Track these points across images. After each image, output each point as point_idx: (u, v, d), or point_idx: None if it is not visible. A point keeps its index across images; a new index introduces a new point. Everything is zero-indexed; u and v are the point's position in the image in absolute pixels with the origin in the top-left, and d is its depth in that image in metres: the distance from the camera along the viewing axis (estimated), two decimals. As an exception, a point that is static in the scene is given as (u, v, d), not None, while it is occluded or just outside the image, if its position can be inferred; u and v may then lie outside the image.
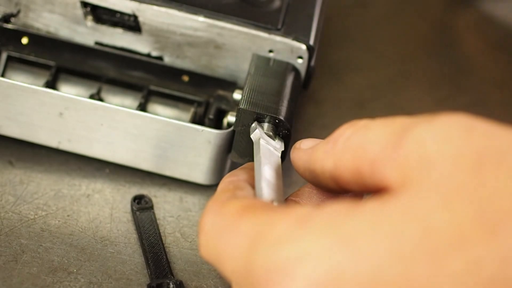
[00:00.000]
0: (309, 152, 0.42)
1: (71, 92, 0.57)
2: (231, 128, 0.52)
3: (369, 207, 0.33)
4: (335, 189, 0.40)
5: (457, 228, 0.31)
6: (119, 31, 0.56)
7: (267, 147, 0.47)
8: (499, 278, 0.30)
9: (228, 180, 0.44)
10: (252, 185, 0.43)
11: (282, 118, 0.50)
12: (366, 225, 0.32)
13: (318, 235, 0.33)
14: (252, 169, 0.45)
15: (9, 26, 0.56)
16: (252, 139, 0.49)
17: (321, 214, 0.34)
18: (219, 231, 0.38)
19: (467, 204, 0.31)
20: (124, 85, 0.57)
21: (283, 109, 0.50)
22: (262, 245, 0.34)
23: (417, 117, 0.35)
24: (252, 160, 0.48)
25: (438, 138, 0.33)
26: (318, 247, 0.32)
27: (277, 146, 0.49)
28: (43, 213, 0.53)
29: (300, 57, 0.54)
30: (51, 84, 0.56)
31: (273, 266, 0.33)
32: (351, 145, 0.37)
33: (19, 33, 0.57)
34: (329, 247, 0.32)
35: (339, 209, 0.34)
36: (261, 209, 0.37)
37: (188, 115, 0.57)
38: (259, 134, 0.49)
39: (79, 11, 0.55)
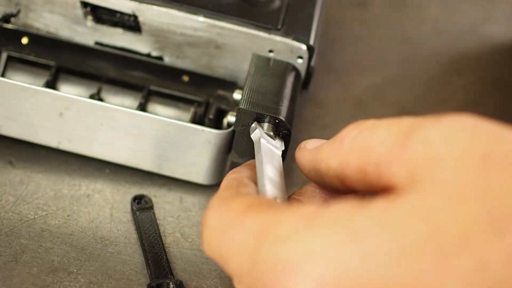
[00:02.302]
0: (315, 151, 0.42)
1: (71, 92, 0.57)
2: (231, 128, 0.51)
3: (376, 206, 0.33)
4: (340, 189, 0.40)
5: (464, 227, 0.31)
6: (119, 31, 0.56)
7: (268, 146, 0.47)
8: (506, 278, 0.30)
9: (231, 176, 0.44)
10: (255, 182, 0.43)
11: (282, 118, 0.50)
12: (374, 223, 0.32)
13: (325, 233, 0.33)
14: (255, 166, 0.45)
15: (9, 26, 0.56)
16: (253, 139, 0.49)
17: (328, 212, 0.34)
18: (223, 227, 0.38)
19: (474, 203, 0.31)
20: (124, 85, 0.57)
21: (283, 109, 0.50)
22: (268, 242, 0.34)
23: (424, 117, 0.35)
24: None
25: (445, 138, 0.33)
26: (325, 244, 0.32)
27: (278, 145, 0.49)
28: (43, 213, 0.53)
29: (300, 57, 0.54)
30: (51, 84, 0.56)
31: (280, 262, 0.33)
32: (357, 145, 0.37)
33: (19, 33, 0.57)
34: (336, 244, 0.32)
35: (346, 207, 0.34)
36: (266, 206, 0.37)
37: (188, 115, 0.57)
38: (260, 134, 0.49)
39: (79, 11, 0.55)
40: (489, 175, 0.32)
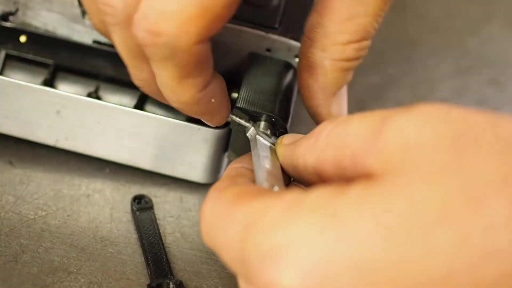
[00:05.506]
0: (292, 147, 0.43)
1: (69, 90, 0.56)
2: (228, 127, 0.52)
3: (356, 189, 0.33)
4: (317, 184, 0.40)
5: (443, 202, 0.31)
6: (117, 30, 0.56)
7: (264, 143, 0.47)
8: (486, 248, 0.30)
9: (232, 166, 0.45)
10: None
11: (278, 116, 0.50)
12: (353, 206, 0.33)
13: (307, 219, 0.33)
14: None
15: (8, 24, 0.57)
16: (248, 137, 0.49)
17: (309, 198, 0.34)
18: (216, 218, 0.38)
19: (450, 179, 0.32)
20: (122, 84, 0.57)
21: (280, 107, 0.50)
22: (254, 232, 0.35)
23: (395, 109, 0.36)
24: (250, 157, 0.48)
25: (416, 125, 0.34)
26: (307, 231, 0.33)
27: (274, 143, 0.49)
28: (43, 213, 0.53)
29: (297, 56, 0.54)
30: (49, 83, 0.56)
31: (264, 252, 0.34)
32: (333, 139, 0.38)
33: (18, 32, 0.57)
34: (318, 230, 0.33)
35: (326, 192, 0.34)
36: (255, 195, 0.37)
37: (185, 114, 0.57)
38: (255, 132, 0.49)
39: (77, 10, 0.55)
40: (462, 155, 0.32)
